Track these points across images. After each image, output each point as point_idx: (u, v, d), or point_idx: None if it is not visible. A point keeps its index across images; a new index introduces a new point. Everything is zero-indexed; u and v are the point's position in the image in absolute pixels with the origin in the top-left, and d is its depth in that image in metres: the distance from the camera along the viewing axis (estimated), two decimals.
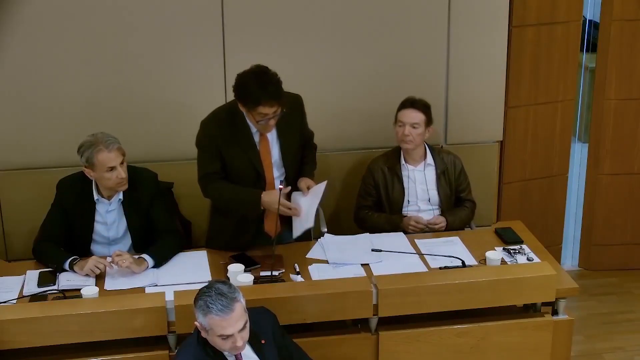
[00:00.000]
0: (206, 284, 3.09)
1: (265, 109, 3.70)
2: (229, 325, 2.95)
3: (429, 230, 4.29)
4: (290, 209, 3.82)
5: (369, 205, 4.41)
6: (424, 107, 4.29)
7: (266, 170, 3.94)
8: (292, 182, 4.01)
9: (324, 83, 4.63)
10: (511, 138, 5.06)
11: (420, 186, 4.36)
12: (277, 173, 3.99)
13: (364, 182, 4.44)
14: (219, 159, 3.90)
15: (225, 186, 3.93)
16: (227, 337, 2.96)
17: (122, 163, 3.86)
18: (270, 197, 3.81)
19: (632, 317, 5.01)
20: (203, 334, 3.02)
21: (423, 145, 4.37)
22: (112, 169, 3.83)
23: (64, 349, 3.47)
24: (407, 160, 4.37)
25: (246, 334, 3.02)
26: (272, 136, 3.93)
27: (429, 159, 4.37)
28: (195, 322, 3.02)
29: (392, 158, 4.39)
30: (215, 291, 2.97)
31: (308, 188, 3.91)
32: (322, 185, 3.91)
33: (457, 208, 4.40)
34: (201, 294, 3.00)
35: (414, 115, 4.26)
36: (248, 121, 3.86)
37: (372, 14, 4.63)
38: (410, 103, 4.30)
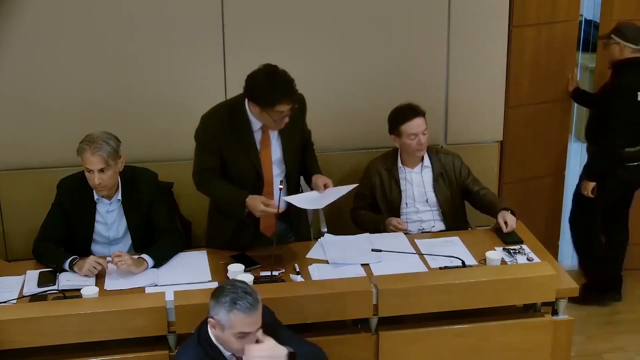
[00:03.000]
0: (214, 284, 3.08)
1: (281, 107, 3.71)
2: (252, 323, 2.96)
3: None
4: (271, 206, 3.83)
5: (362, 206, 4.41)
6: (421, 111, 4.29)
7: (265, 169, 3.94)
8: (292, 179, 4.01)
9: (324, 83, 4.64)
10: (511, 138, 5.06)
11: (418, 188, 4.36)
12: (277, 171, 3.99)
13: (360, 183, 4.45)
14: (216, 155, 3.89)
15: (216, 185, 3.93)
16: (245, 335, 2.96)
17: (102, 170, 3.83)
18: (254, 202, 3.81)
19: (632, 317, 5.01)
20: (216, 331, 3.01)
21: None
22: (89, 170, 3.84)
23: (64, 349, 3.46)
24: (405, 162, 4.37)
25: (255, 337, 3.03)
26: (273, 135, 3.93)
27: (426, 160, 4.37)
28: (211, 319, 3.01)
29: (390, 160, 4.39)
30: (242, 289, 2.98)
31: (325, 186, 3.90)
32: (350, 187, 3.92)
33: (483, 196, 4.33)
34: (226, 290, 2.99)
35: (421, 123, 4.25)
36: (250, 118, 3.85)
37: (372, 13, 4.63)
38: (413, 112, 4.25)
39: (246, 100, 3.84)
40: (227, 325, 2.97)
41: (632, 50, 4.76)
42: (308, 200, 3.92)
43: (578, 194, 5.10)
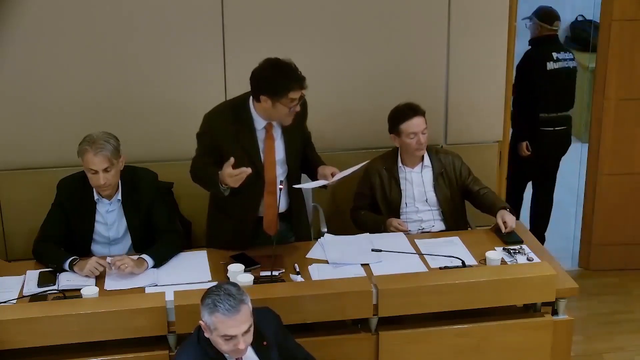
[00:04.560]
0: (214, 284, 3.09)
1: (294, 93, 3.72)
2: (234, 326, 2.95)
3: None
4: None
5: (362, 206, 4.41)
6: (421, 110, 4.29)
7: (268, 169, 3.93)
8: (293, 180, 4.00)
9: (325, 83, 4.63)
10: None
11: (418, 188, 4.36)
12: (280, 171, 3.99)
13: (359, 183, 4.45)
14: (215, 156, 3.89)
15: (201, 173, 3.93)
16: (230, 338, 2.96)
17: (107, 169, 3.83)
18: (221, 174, 3.75)
19: (632, 317, 5.01)
20: (207, 334, 3.02)
21: None
22: (93, 171, 3.84)
23: (64, 349, 3.47)
24: (405, 162, 4.37)
25: (249, 338, 3.01)
26: (277, 135, 3.93)
27: (426, 160, 4.37)
28: (200, 321, 3.02)
29: (390, 160, 4.39)
30: (224, 291, 2.97)
31: (332, 174, 3.89)
32: (359, 165, 3.94)
33: (484, 196, 4.32)
34: (210, 292, 3.00)
35: (420, 122, 4.24)
36: (254, 117, 3.85)
37: (372, 13, 4.63)
38: (413, 111, 4.25)
39: (251, 99, 3.84)
40: (211, 327, 2.98)
41: (547, 29, 5.50)
42: (316, 183, 3.93)
43: (512, 159, 5.41)
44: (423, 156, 4.36)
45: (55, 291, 3.69)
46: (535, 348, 3.75)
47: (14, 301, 3.63)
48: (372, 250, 3.95)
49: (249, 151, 3.89)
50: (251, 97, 3.85)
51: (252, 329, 3.01)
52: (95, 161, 3.81)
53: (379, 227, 4.26)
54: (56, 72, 4.43)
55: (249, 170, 3.73)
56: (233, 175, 3.71)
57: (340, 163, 4.72)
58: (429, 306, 3.64)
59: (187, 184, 4.09)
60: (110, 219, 4.02)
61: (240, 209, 4.00)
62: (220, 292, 2.97)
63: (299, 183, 4.12)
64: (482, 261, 3.90)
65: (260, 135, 3.90)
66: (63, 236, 3.98)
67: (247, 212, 3.99)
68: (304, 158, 4.10)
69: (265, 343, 3.15)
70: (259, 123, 3.87)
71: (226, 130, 3.86)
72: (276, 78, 3.71)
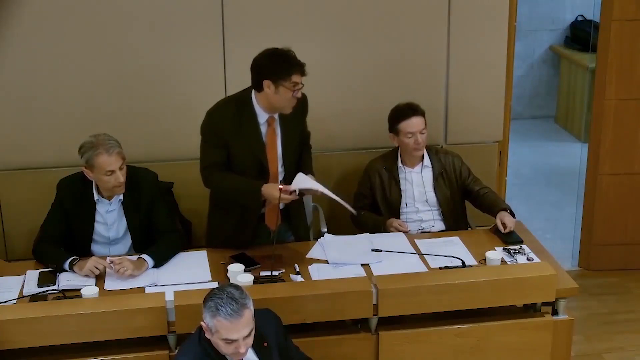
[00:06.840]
0: (214, 284, 3.08)
1: (297, 77, 3.76)
2: (235, 330, 2.94)
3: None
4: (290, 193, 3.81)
5: (362, 206, 4.41)
6: (421, 110, 4.29)
7: (271, 163, 3.93)
8: (291, 178, 4.00)
9: (325, 83, 4.63)
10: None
11: (418, 188, 4.36)
12: (279, 168, 3.99)
13: (359, 184, 4.45)
14: (222, 149, 3.89)
15: (227, 176, 3.92)
16: (231, 341, 2.96)
17: (121, 167, 3.85)
18: (270, 190, 3.79)
19: (632, 317, 5.00)
20: (207, 335, 3.02)
21: None
22: (111, 172, 3.83)
23: (64, 349, 3.47)
24: (405, 162, 4.37)
25: (250, 340, 3.01)
26: (277, 130, 3.93)
27: (426, 160, 4.37)
28: (202, 322, 3.02)
29: (390, 160, 4.39)
30: (227, 294, 2.97)
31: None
32: (335, 196, 3.90)
33: (484, 196, 4.34)
34: (212, 295, 3.00)
35: (419, 122, 4.24)
36: (256, 112, 3.85)
37: (372, 13, 4.63)
38: (412, 111, 4.26)
39: (253, 92, 3.84)
40: (213, 330, 2.98)
41: None
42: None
43: None
44: (423, 156, 4.36)
45: (55, 291, 3.69)
46: (535, 348, 3.75)
47: (14, 301, 3.63)
48: (372, 250, 3.95)
49: (252, 145, 3.89)
50: (253, 91, 3.85)
51: (253, 332, 3.01)
52: (111, 160, 3.81)
53: (379, 228, 4.26)
54: (56, 72, 4.43)
55: (294, 196, 3.80)
56: (283, 198, 3.74)
57: (340, 163, 4.77)
58: (429, 306, 3.64)
59: (187, 184, 4.10)
60: (110, 219, 4.02)
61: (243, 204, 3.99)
62: (223, 295, 2.97)
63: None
64: (482, 261, 3.90)
65: (263, 129, 3.90)
66: (63, 236, 3.98)
67: (249, 207, 3.98)
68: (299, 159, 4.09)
69: (265, 344, 3.15)
70: (262, 117, 3.87)
71: (230, 124, 3.86)
72: (279, 62, 3.75)
